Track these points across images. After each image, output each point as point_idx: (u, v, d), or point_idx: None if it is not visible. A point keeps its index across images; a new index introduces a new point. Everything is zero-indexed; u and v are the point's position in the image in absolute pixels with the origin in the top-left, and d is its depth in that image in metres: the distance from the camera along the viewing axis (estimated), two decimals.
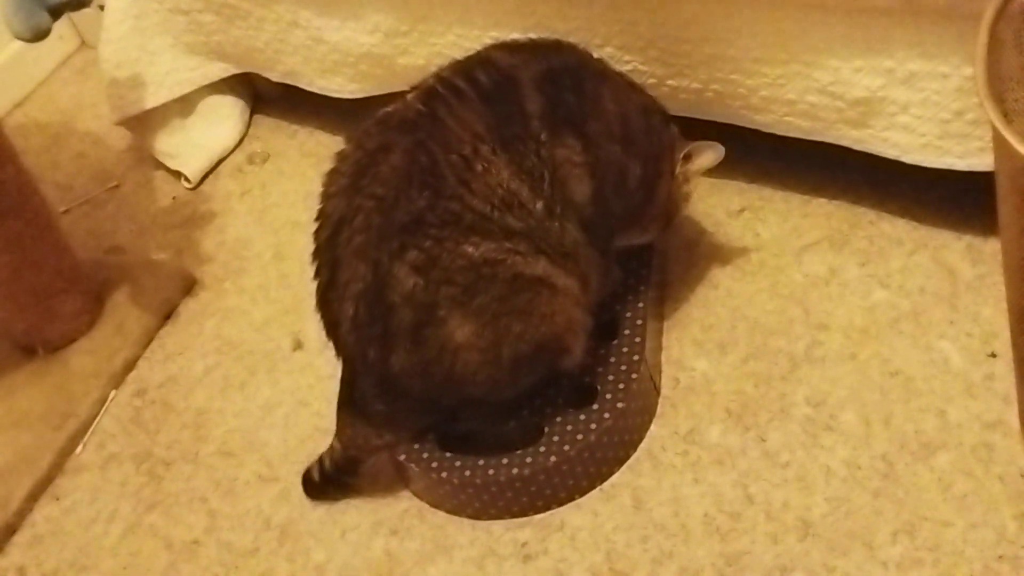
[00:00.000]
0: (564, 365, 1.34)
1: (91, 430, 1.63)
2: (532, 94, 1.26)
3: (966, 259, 1.47)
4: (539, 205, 1.25)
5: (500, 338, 1.25)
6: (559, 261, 1.27)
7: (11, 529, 1.53)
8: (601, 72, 1.37)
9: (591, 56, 1.40)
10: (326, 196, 1.30)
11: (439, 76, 1.31)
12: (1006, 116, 1.01)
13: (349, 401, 1.41)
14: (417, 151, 1.23)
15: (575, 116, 1.28)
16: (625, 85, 1.41)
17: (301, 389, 1.60)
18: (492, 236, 1.23)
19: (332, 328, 1.31)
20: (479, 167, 1.23)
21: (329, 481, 1.41)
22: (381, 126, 1.29)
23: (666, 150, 1.41)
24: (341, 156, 1.31)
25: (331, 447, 1.41)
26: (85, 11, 1.76)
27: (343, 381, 1.42)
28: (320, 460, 1.42)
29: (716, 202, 1.65)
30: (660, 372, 1.45)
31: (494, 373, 1.28)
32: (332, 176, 1.31)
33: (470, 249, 1.22)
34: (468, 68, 1.31)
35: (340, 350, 1.33)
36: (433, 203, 1.22)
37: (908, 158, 1.43)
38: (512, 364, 1.28)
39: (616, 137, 1.32)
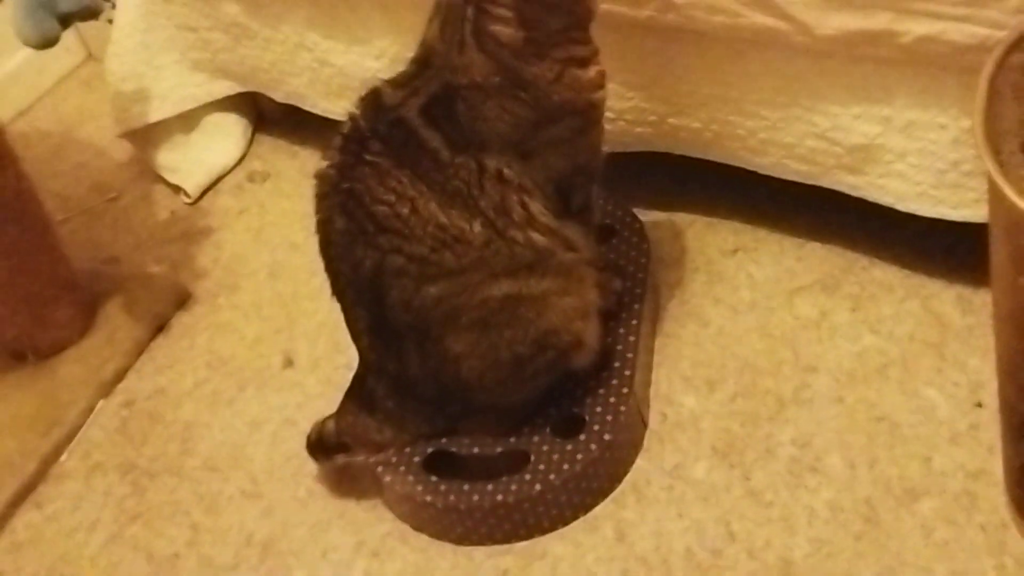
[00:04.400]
0: (578, 359, 1.36)
1: (77, 439, 1.63)
2: (426, 132, 1.26)
3: (956, 308, 1.48)
4: (477, 228, 1.25)
5: (495, 345, 1.29)
6: (523, 274, 1.29)
7: None
8: (470, 85, 1.26)
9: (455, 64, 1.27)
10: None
11: (341, 133, 1.31)
12: (1002, 168, 1.02)
13: (358, 394, 1.42)
14: (349, 210, 1.27)
15: (474, 140, 1.26)
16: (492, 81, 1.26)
17: (289, 407, 1.60)
18: (441, 277, 1.26)
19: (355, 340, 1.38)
20: (405, 210, 1.24)
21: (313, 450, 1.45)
22: (319, 199, 1.31)
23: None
24: (316, 228, 1.33)
25: (324, 423, 1.43)
26: (93, 24, 1.78)
27: (356, 376, 1.43)
28: (312, 430, 1.44)
29: (710, 241, 1.66)
30: (648, 406, 1.46)
31: (500, 376, 1.31)
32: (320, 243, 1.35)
33: (432, 290, 1.26)
34: (364, 113, 1.30)
35: (361, 357, 1.39)
36: (379, 262, 1.26)
37: (903, 206, 1.44)
38: (515, 365, 1.31)
39: (522, 128, 1.27)
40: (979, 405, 1.37)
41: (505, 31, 1.23)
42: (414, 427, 1.39)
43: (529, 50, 1.25)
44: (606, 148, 1.39)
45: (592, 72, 1.30)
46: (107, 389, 1.69)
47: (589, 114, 1.33)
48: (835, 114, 1.41)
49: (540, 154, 1.29)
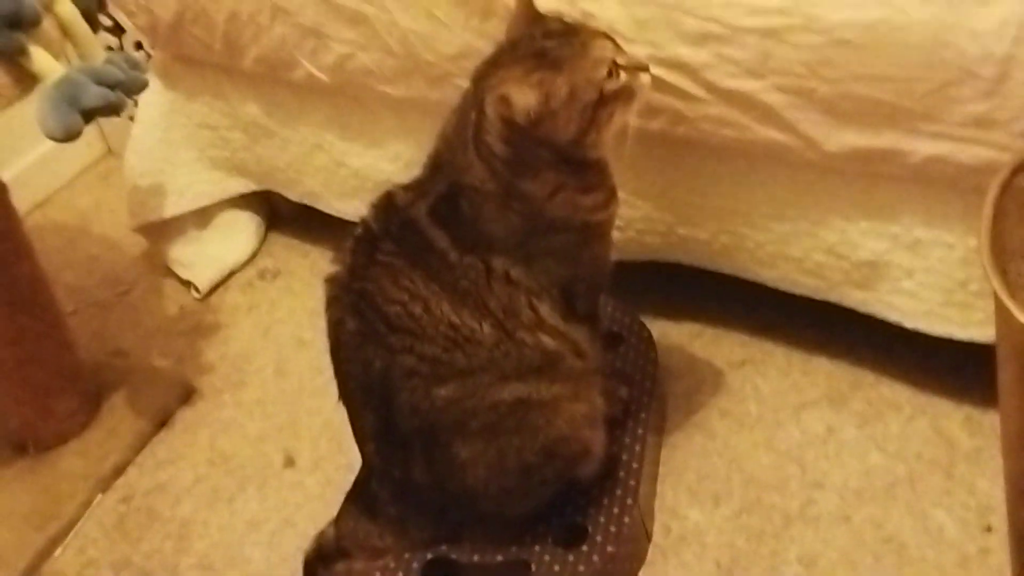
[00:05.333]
0: (585, 468, 1.34)
1: (72, 533, 1.61)
2: (433, 231, 1.26)
3: (964, 429, 1.47)
4: (487, 329, 1.25)
5: (503, 453, 1.27)
6: (533, 377, 1.27)
7: None
8: (471, 187, 1.26)
9: (463, 161, 1.27)
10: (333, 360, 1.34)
11: (355, 235, 1.31)
12: (1009, 288, 1.02)
13: (361, 498, 1.40)
14: (361, 311, 1.26)
15: (480, 241, 1.26)
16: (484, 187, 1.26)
17: (289, 507, 1.58)
18: (452, 378, 1.25)
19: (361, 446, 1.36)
20: (417, 310, 1.24)
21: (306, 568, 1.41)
22: (330, 302, 1.31)
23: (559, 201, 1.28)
24: (327, 331, 1.33)
25: (323, 533, 1.40)
26: (112, 119, 1.81)
27: (358, 480, 1.41)
28: (310, 546, 1.41)
29: (718, 352, 1.66)
30: (653, 518, 1.44)
31: (506, 484, 1.29)
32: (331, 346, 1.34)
33: (442, 391, 1.25)
34: (377, 216, 1.31)
35: (366, 461, 1.37)
36: (390, 362, 1.25)
37: (910, 324, 1.44)
38: (522, 474, 1.29)
39: (518, 235, 1.26)
40: (988, 529, 1.34)
41: (497, 144, 1.23)
42: (416, 533, 1.37)
43: (520, 168, 1.24)
44: (615, 256, 1.39)
45: (591, 198, 1.29)
46: (106, 483, 1.68)
47: (587, 232, 1.31)
48: (842, 229, 1.42)
49: (540, 260, 1.28)
